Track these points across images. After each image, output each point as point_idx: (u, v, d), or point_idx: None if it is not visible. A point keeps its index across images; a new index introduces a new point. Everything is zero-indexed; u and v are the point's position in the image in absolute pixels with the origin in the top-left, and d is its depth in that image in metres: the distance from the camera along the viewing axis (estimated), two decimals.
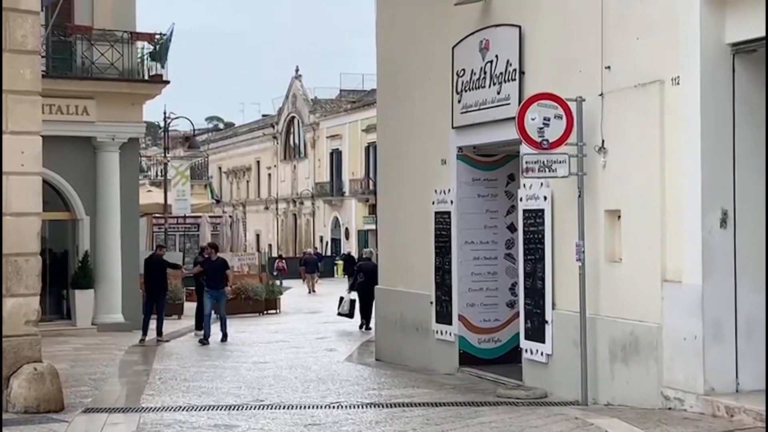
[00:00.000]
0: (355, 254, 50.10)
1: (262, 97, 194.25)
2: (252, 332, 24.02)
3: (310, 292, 43.62)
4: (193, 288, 34.06)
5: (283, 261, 50.52)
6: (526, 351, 13.37)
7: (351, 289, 25.26)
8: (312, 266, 46.06)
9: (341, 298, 25.27)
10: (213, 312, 21.41)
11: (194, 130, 45.98)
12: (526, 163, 12.04)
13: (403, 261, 17.02)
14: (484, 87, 14.32)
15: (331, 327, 25.37)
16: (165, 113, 38.95)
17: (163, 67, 24.61)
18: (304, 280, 46.27)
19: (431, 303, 15.71)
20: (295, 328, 25.14)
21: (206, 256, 22.51)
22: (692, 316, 10.46)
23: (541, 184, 12.89)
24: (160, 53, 24.46)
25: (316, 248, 61.12)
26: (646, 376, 11.09)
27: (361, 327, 23.89)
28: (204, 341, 20.76)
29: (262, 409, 11.91)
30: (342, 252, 61.84)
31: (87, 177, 23.57)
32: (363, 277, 23.62)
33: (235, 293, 29.58)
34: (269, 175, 77.18)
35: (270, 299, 30.65)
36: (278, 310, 30.73)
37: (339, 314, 24.93)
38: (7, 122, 11.20)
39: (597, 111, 11.94)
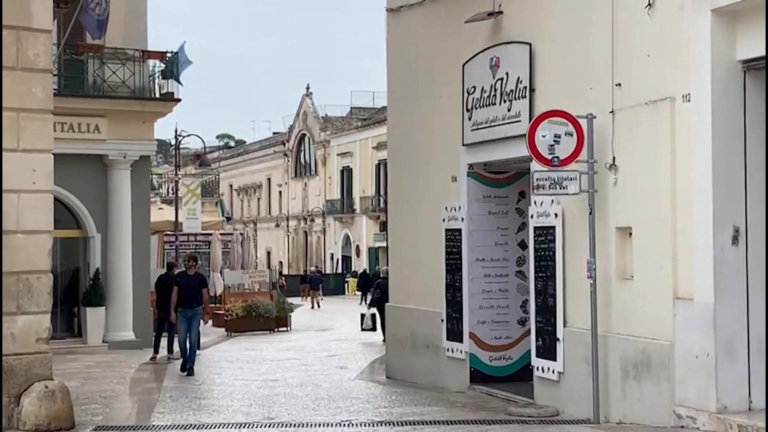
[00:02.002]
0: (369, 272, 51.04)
1: (272, 115, 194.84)
2: (263, 350, 24.01)
3: (313, 308, 45.07)
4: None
5: (282, 278, 51.41)
6: (538, 369, 13.32)
7: (370, 305, 26.67)
8: (316, 283, 48.40)
9: (362, 315, 26.61)
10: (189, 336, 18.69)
11: (205, 147, 46.10)
12: (537, 180, 12.03)
13: (414, 278, 16.99)
14: (495, 104, 14.32)
15: (342, 345, 25.35)
16: (176, 131, 39.09)
17: (178, 79, 24.59)
18: (304, 297, 47.37)
19: (442, 320, 15.67)
20: (305, 346, 25.11)
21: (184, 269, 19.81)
22: (704, 333, 10.42)
23: (552, 201, 12.88)
24: (175, 68, 24.48)
25: (317, 266, 61.90)
26: (658, 395, 11.04)
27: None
28: (185, 370, 18.33)
29: (273, 427, 11.90)
30: (353, 269, 61.98)
31: (98, 195, 23.62)
32: (380, 294, 24.09)
33: (245, 311, 29.64)
34: (280, 192, 77.31)
35: (281, 317, 30.65)
36: (289, 328, 30.73)
37: (363, 329, 26.23)
38: (19, 140, 11.24)
39: (608, 128, 11.93)
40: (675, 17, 11.00)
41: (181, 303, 18.84)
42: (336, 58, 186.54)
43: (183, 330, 18.79)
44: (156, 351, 21.04)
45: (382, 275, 28.01)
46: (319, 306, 45.52)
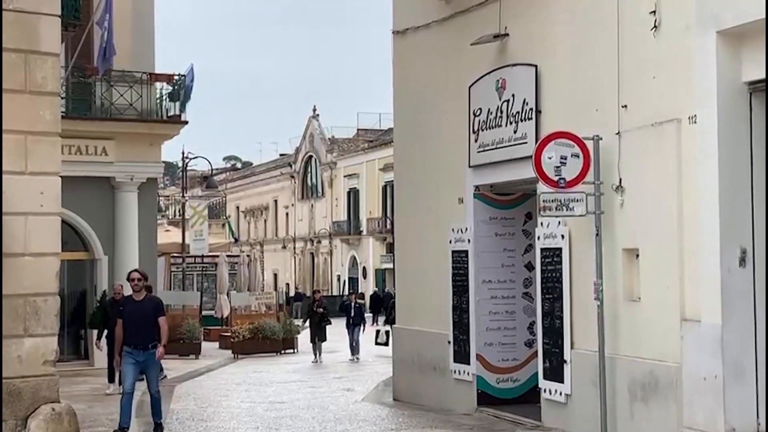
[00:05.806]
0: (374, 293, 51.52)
1: (279, 137, 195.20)
2: (269, 372, 23.96)
3: None
4: (211, 327, 34.17)
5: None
6: (545, 391, 13.28)
7: (386, 322, 28.42)
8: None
9: (378, 331, 28.33)
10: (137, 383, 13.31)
11: (212, 169, 46.20)
12: (544, 201, 12.03)
13: (421, 300, 16.98)
14: (501, 126, 14.35)
15: (349, 366, 25.27)
16: (183, 153, 39.20)
17: (183, 108, 24.75)
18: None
19: (449, 342, 15.64)
20: (312, 368, 25.05)
21: (130, 293, 13.72)
22: (712, 355, 10.38)
23: (559, 222, 12.87)
24: (180, 93, 24.61)
25: (297, 288, 62.85)
26: (666, 417, 11.00)
27: None
28: None
29: None
30: (359, 291, 61.94)
31: (105, 217, 23.69)
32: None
33: (252, 333, 29.53)
34: (287, 214, 77.34)
35: (287, 338, 30.60)
36: (296, 350, 30.66)
37: (377, 344, 27.80)
38: (27, 163, 11.27)
39: (614, 150, 11.94)
40: (681, 39, 11.02)
41: (128, 340, 12.99)
42: (343, 80, 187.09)
43: (128, 379, 12.94)
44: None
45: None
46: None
